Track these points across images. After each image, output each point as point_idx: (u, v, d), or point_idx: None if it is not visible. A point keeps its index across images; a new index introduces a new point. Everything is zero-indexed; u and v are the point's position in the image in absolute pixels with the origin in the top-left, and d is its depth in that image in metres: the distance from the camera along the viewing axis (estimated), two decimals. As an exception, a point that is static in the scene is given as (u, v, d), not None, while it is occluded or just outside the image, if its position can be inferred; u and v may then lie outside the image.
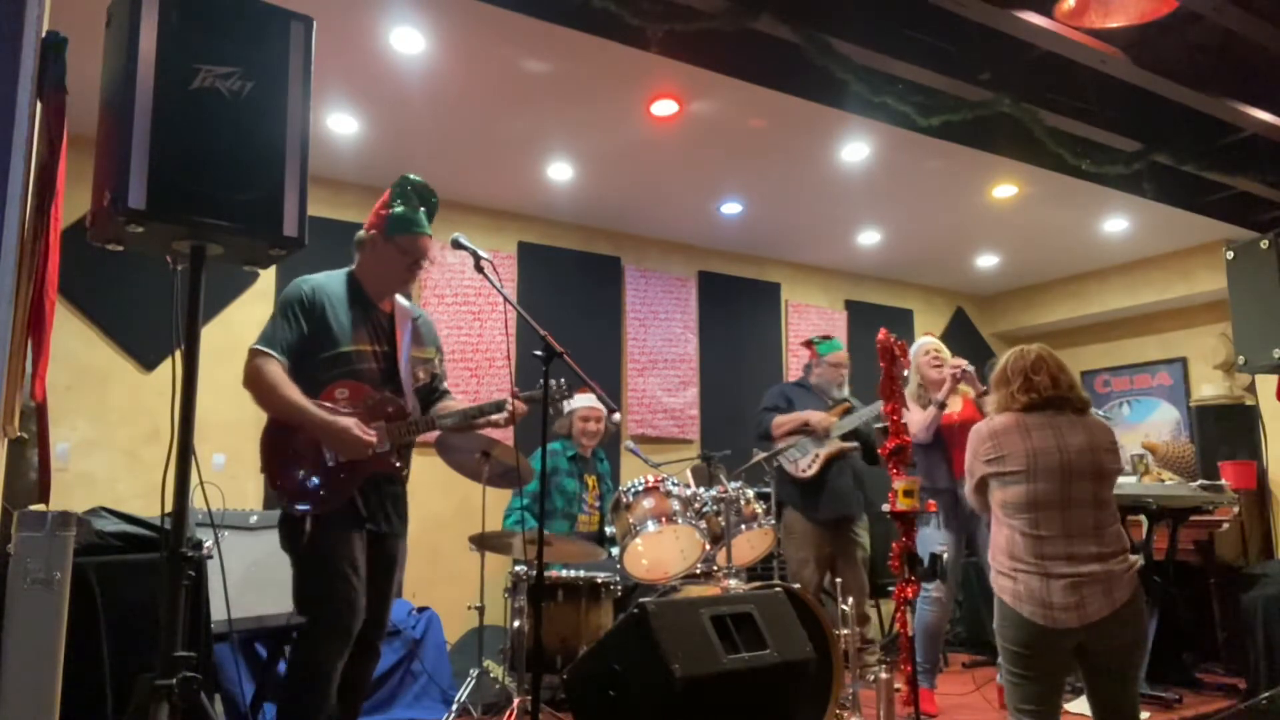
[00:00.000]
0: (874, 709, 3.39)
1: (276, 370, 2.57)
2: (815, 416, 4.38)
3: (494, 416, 2.83)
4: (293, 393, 2.56)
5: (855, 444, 4.39)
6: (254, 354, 2.60)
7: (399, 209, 2.77)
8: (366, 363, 2.71)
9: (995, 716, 4.12)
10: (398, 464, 2.74)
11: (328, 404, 2.62)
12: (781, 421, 4.40)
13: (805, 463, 4.33)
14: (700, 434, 6.21)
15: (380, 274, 2.80)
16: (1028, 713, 2.51)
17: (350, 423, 2.59)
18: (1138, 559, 2.61)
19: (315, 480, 2.59)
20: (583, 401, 4.51)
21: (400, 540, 2.80)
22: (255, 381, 2.57)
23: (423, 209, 2.81)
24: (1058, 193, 5.39)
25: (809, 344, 4.70)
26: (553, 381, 3.00)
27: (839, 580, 4.10)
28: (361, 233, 2.82)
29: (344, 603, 2.55)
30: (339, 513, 2.60)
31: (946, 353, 4.46)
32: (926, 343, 4.53)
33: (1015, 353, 2.79)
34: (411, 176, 2.82)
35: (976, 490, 2.77)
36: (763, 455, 4.40)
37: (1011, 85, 4.16)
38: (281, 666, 3.64)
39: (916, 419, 4.26)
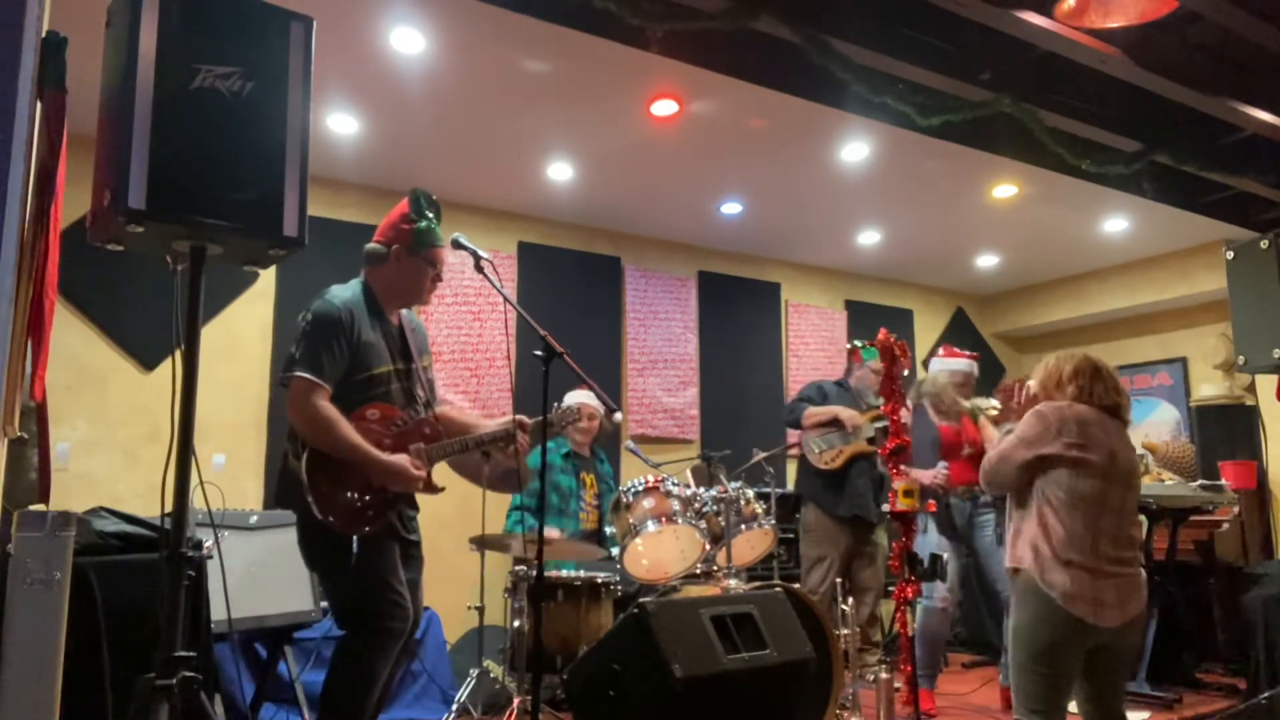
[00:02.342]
0: (874, 709, 3.39)
1: (330, 407, 2.53)
2: (846, 413, 4.42)
3: (502, 445, 2.82)
4: (348, 432, 2.53)
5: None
6: (304, 384, 2.51)
7: (424, 223, 2.77)
8: (392, 383, 2.72)
9: (995, 717, 4.12)
10: (442, 487, 2.75)
11: (366, 424, 2.60)
12: (814, 413, 4.45)
13: (830, 455, 4.38)
14: (700, 434, 6.21)
15: (403, 288, 2.79)
16: (1039, 712, 2.52)
17: (404, 460, 2.61)
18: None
19: (365, 508, 2.59)
20: (577, 398, 4.50)
21: (420, 543, 2.84)
22: (310, 417, 2.51)
23: (437, 221, 2.84)
24: (1058, 193, 5.39)
25: (854, 348, 4.74)
26: (566, 404, 3.04)
27: (840, 580, 4.10)
28: (378, 246, 2.77)
29: (399, 612, 2.57)
30: (383, 528, 2.63)
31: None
32: (965, 367, 4.42)
33: (1078, 357, 2.71)
34: (422, 190, 2.83)
35: (1023, 467, 2.57)
36: (763, 455, 4.41)
37: (1011, 85, 4.16)
38: (282, 667, 3.66)
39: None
